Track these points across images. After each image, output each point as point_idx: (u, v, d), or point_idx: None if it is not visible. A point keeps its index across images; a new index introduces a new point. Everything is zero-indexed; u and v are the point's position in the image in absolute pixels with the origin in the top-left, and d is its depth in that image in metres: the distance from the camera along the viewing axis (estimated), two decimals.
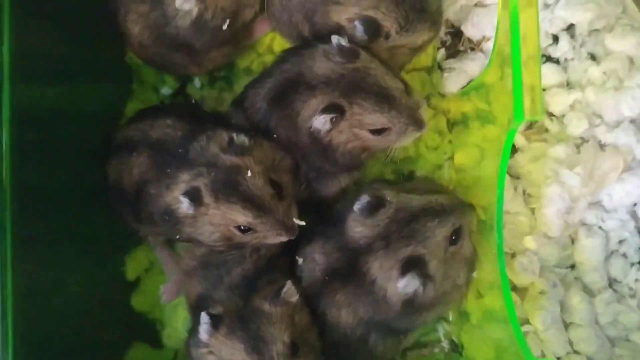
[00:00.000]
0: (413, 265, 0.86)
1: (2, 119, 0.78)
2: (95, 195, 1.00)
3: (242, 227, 0.89)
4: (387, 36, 0.95)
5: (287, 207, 0.91)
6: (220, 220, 0.89)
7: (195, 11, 0.94)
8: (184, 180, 0.89)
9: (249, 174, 0.87)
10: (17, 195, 0.79)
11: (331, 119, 0.90)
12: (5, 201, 0.78)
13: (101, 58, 1.07)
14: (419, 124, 0.93)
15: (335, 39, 0.90)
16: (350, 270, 0.91)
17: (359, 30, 0.93)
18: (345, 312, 0.92)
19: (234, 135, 0.90)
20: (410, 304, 0.89)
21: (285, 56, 0.99)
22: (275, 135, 0.96)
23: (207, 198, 0.87)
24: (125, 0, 1.02)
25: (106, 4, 1.05)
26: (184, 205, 0.87)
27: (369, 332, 0.93)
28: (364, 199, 0.90)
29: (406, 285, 0.86)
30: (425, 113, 0.97)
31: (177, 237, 0.95)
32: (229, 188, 0.87)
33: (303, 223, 0.92)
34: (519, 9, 0.77)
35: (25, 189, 0.80)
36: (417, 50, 1.03)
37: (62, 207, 0.91)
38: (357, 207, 0.90)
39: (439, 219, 0.89)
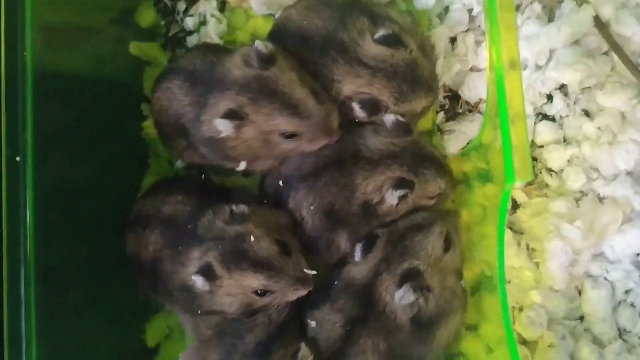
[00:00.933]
0: (409, 277, 0.91)
1: (26, 199, 0.84)
2: (115, 266, 1.04)
3: (259, 291, 0.91)
4: (386, 110, 0.99)
5: (296, 262, 0.93)
6: (237, 289, 0.91)
7: (222, 135, 0.94)
8: (196, 257, 0.92)
9: (252, 238, 0.90)
10: (41, 272, 0.83)
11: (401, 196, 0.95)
12: (29, 278, 0.83)
13: (119, 134, 1.13)
14: None
15: (390, 118, 0.96)
16: (366, 308, 0.94)
17: (357, 110, 0.98)
18: (370, 355, 0.94)
19: (234, 206, 0.93)
20: (419, 321, 0.93)
21: None
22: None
23: (219, 271, 0.90)
24: (170, 76, 1.04)
25: (121, 82, 1.12)
26: (199, 283, 0.89)
27: None
28: (358, 247, 0.96)
29: (402, 296, 0.90)
30: None
31: (199, 312, 0.97)
32: (238, 256, 0.90)
33: (314, 272, 0.94)
34: (503, 72, 0.80)
35: (49, 265, 0.85)
36: (419, 115, 1.07)
37: (83, 280, 0.95)
38: (355, 256, 0.95)
39: (424, 231, 0.95)
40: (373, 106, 0.98)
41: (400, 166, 0.96)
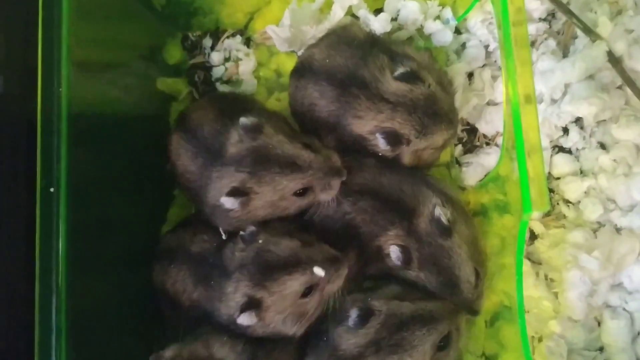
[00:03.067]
0: None
1: (59, 229, 0.87)
2: (142, 295, 1.07)
3: (305, 291, 0.92)
4: (408, 142, 1.02)
5: (320, 247, 0.94)
6: (283, 302, 0.91)
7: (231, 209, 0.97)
8: (230, 291, 0.93)
9: (272, 247, 0.92)
10: (72, 300, 0.86)
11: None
12: (60, 306, 0.85)
13: (146, 166, 1.16)
14: None
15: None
16: None
17: (381, 142, 1.00)
18: None
19: (241, 232, 0.95)
20: None
21: None
22: None
23: (258, 294, 0.90)
24: (179, 132, 1.08)
25: (149, 116, 1.16)
26: (248, 321, 0.90)
27: None
28: (353, 313, 0.91)
29: None
30: None
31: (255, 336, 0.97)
32: (266, 271, 0.91)
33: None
34: (519, 106, 0.83)
35: (79, 293, 0.87)
36: (441, 148, 1.09)
37: (112, 308, 0.98)
38: (349, 322, 0.91)
39: (428, 327, 0.91)
40: (395, 139, 1.00)
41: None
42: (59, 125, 0.89)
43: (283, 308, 0.92)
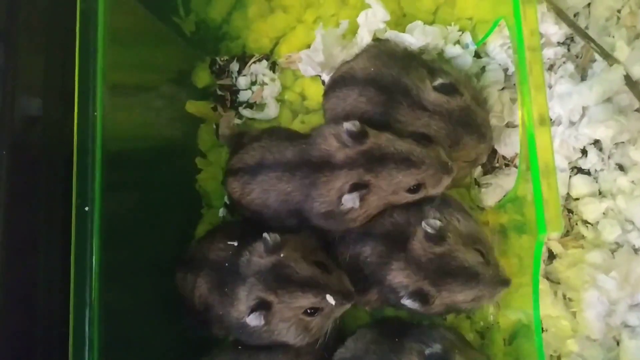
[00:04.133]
0: None
1: (92, 246, 0.91)
2: (172, 309, 1.11)
3: (309, 311, 0.95)
4: (443, 146, 1.04)
5: (338, 278, 0.98)
6: (289, 312, 0.95)
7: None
8: (243, 295, 0.96)
9: (292, 263, 0.95)
10: (104, 313, 0.89)
11: None
12: (93, 319, 0.89)
13: (175, 186, 1.22)
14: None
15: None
16: None
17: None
18: None
19: (265, 234, 0.97)
20: None
21: None
22: None
23: (269, 299, 0.94)
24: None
25: (178, 138, 1.21)
26: (255, 322, 0.93)
27: None
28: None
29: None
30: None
31: (259, 343, 1.02)
32: (283, 281, 0.94)
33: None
34: (534, 128, 0.85)
35: (111, 307, 0.91)
36: (473, 163, 1.13)
37: (143, 321, 1.02)
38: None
39: None
40: (428, 142, 1.03)
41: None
42: (94, 147, 0.92)
43: (287, 318, 0.96)
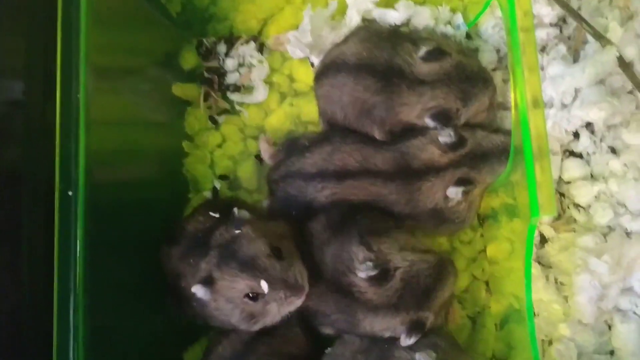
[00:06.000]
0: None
1: (77, 232, 0.89)
2: (157, 297, 1.09)
3: (250, 295, 0.93)
4: (458, 114, 1.06)
5: (289, 266, 0.94)
6: (230, 292, 0.94)
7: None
8: (202, 267, 0.96)
9: (244, 241, 0.93)
10: (89, 299, 0.87)
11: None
12: (78, 305, 0.86)
13: (162, 170, 1.20)
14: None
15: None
16: None
17: (431, 124, 1.04)
18: None
19: (235, 209, 0.97)
20: None
21: None
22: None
23: (215, 274, 0.94)
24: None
25: (164, 121, 1.20)
26: (199, 293, 0.93)
27: None
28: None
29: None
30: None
31: (212, 324, 1.02)
32: (228, 257, 0.93)
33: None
34: (527, 110, 0.84)
35: (96, 293, 0.89)
36: (490, 108, 1.12)
37: (127, 309, 1.00)
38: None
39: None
40: (445, 116, 1.05)
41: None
42: (77, 130, 0.90)
43: (231, 299, 0.94)
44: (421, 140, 1.05)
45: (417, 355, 0.92)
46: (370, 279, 0.95)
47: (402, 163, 1.05)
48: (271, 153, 1.19)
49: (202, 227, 1.05)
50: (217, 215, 1.05)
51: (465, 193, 1.03)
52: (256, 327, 0.98)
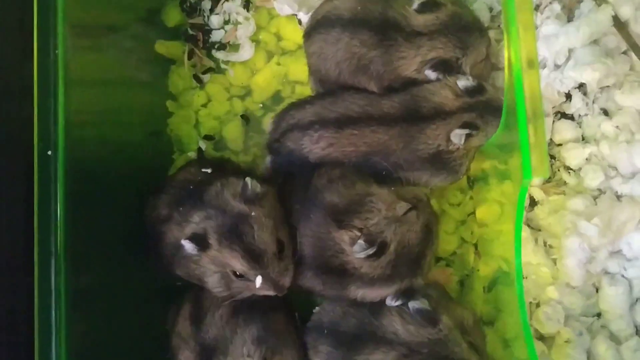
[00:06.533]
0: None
1: (57, 193, 0.87)
2: (140, 258, 1.06)
3: (237, 273, 0.93)
4: (459, 64, 1.04)
5: (284, 268, 0.94)
6: (220, 263, 0.93)
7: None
8: (195, 220, 0.94)
9: (256, 226, 0.92)
10: (70, 262, 0.86)
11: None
12: (59, 269, 0.85)
13: (145, 130, 1.18)
14: None
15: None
16: None
17: (432, 75, 1.03)
18: None
19: (249, 179, 0.94)
20: None
21: None
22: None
23: (212, 241, 0.92)
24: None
25: (147, 80, 1.18)
26: (188, 248, 0.92)
27: None
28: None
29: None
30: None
31: (180, 273, 1.00)
32: (235, 236, 0.91)
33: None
34: (521, 71, 0.81)
35: (78, 256, 0.88)
36: (488, 58, 1.11)
37: (111, 270, 0.99)
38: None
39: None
40: (445, 66, 1.04)
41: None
42: (56, 88, 0.88)
43: (217, 266, 0.93)
44: (435, 84, 1.04)
45: (411, 304, 0.92)
46: (366, 255, 0.94)
47: (411, 106, 1.03)
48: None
49: (193, 177, 1.04)
50: (209, 171, 1.04)
51: (468, 137, 1.01)
52: (224, 295, 0.97)
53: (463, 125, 1.01)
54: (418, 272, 0.97)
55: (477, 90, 1.02)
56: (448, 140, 1.02)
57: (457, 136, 1.01)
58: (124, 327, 1.00)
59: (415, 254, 0.97)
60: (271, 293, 0.94)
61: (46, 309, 0.85)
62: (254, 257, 0.91)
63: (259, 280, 0.92)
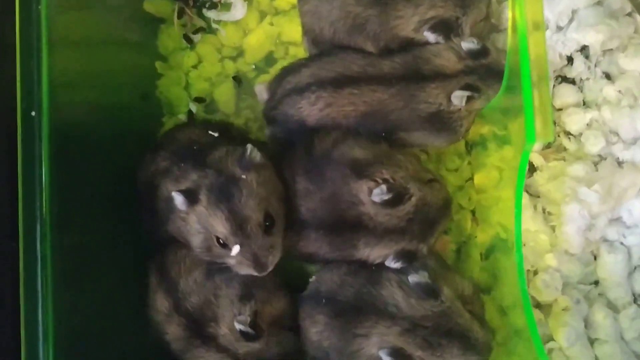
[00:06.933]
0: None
1: (42, 155, 0.84)
2: (128, 221, 1.04)
3: (221, 241, 0.90)
4: (459, 25, 1.01)
5: (269, 245, 0.91)
6: (205, 223, 0.90)
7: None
8: (192, 178, 0.92)
9: (244, 190, 0.89)
10: (56, 226, 0.84)
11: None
12: (45, 234, 0.83)
13: (134, 91, 1.15)
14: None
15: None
16: None
17: (431, 37, 1.00)
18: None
19: (250, 146, 0.92)
20: None
21: None
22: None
23: (202, 195, 0.90)
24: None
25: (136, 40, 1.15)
26: (177, 200, 0.90)
27: None
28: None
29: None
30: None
31: (168, 229, 0.98)
32: (223, 195, 0.89)
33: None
34: (527, 33, 0.79)
35: (64, 220, 0.86)
36: (487, 18, 1.08)
37: (98, 234, 0.96)
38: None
39: None
40: (445, 26, 1.00)
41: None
42: (39, 45, 0.85)
43: (203, 226, 0.91)
44: (438, 46, 1.01)
45: (411, 277, 0.90)
46: (385, 203, 0.92)
47: (412, 66, 1.00)
48: (267, 87, 1.12)
49: (197, 138, 1.02)
50: (215, 134, 1.03)
51: (469, 99, 0.98)
52: (205, 258, 0.95)
53: (464, 87, 0.98)
54: (429, 236, 0.96)
55: (481, 53, 0.99)
56: (449, 100, 0.99)
57: (458, 98, 0.98)
58: (112, 293, 0.98)
59: (431, 219, 0.95)
60: (251, 271, 0.91)
61: (32, 275, 0.83)
62: (237, 221, 0.89)
63: (236, 249, 0.89)
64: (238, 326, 0.92)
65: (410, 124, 1.01)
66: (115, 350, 0.96)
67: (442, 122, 1.01)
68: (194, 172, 0.93)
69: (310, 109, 1.01)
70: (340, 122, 1.01)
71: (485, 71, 0.99)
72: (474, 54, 0.99)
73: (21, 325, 0.82)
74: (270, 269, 0.91)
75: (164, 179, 0.97)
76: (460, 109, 1.00)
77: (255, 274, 0.91)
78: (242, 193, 0.89)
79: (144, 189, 1.02)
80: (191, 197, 0.90)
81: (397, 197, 0.92)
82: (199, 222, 0.91)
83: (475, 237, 1.12)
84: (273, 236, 0.92)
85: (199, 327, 0.95)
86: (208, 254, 0.93)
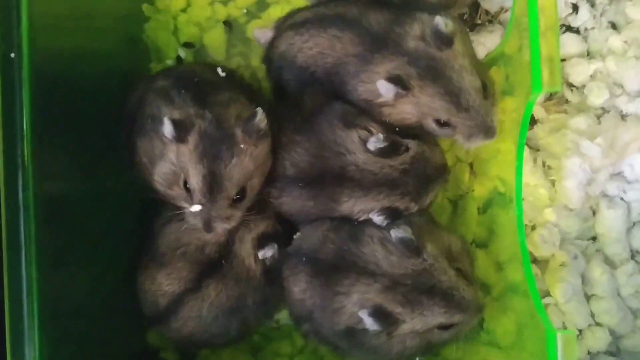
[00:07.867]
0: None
1: (22, 99, 0.79)
2: (113, 171, 1.01)
3: (187, 187, 0.88)
4: None
5: (228, 215, 0.88)
6: (181, 162, 0.87)
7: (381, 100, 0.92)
8: (188, 112, 0.89)
9: (234, 149, 0.86)
10: (39, 174, 0.80)
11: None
12: (27, 182, 0.79)
13: (118, 35, 1.10)
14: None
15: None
16: None
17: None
18: None
19: (259, 112, 0.88)
20: None
21: None
22: None
23: (191, 137, 0.86)
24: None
25: None
26: (167, 129, 0.86)
27: None
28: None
29: None
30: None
31: (139, 144, 0.94)
32: (212, 150, 0.86)
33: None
34: None
35: (47, 167, 0.82)
36: None
37: (83, 183, 0.93)
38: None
39: None
40: None
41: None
42: None
43: (174, 164, 0.88)
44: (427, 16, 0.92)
45: (393, 231, 0.87)
46: (380, 151, 0.89)
47: (388, 28, 0.93)
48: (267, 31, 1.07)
49: (201, 72, 1.00)
50: (223, 74, 1.00)
51: (396, 97, 0.91)
52: (157, 188, 0.92)
53: (390, 79, 0.90)
54: (422, 195, 0.93)
55: (444, 39, 0.89)
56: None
57: (383, 88, 0.90)
58: (97, 243, 0.96)
59: (428, 175, 0.92)
60: (198, 226, 0.88)
61: (14, 227, 0.79)
62: (212, 184, 0.86)
63: (196, 207, 0.87)
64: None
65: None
66: (101, 305, 0.95)
67: None
68: (192, 106, 0.89)
69: (302, 46, 0.98)
70: (310, 68, 0.97)
71: (427, 66, 0.90)
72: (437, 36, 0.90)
73: (4, 278, 0.79)
74: (219, 233, 0.91)
75: (158, 98, 0.93)
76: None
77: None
78: (231, 161, 0.86)
79: (132, 108, 0.98)
80: (181, 132, 0.86)
81: (393, 146, 0.90)
82: (176, 157, 0.88)
83: (473, 190, 1.08)
84: (236, 209, 0.89)
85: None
86: (163, 184, 0.91)
